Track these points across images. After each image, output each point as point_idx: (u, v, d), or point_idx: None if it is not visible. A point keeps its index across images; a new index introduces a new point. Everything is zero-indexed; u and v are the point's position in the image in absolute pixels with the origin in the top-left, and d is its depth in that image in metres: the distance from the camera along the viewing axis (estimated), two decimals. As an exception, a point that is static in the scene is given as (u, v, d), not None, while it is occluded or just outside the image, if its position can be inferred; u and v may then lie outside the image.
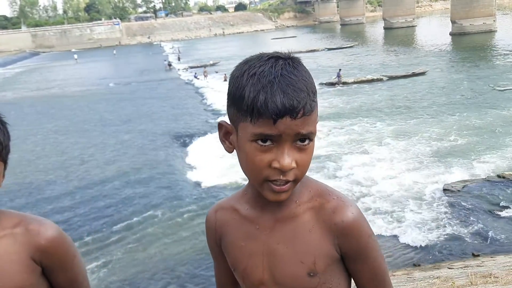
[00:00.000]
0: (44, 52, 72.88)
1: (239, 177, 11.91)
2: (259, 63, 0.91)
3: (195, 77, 31.95)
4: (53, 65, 51.66)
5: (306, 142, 0.92)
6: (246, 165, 0.95)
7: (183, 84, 31.31)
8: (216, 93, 25.45)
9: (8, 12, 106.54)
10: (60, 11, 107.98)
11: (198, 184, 12.43)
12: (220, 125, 1.01)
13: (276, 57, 0.92)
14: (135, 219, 10.47)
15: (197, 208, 10.72)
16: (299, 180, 0.95)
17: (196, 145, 16.03)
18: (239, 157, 0.97)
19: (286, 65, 0.90)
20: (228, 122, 0.99)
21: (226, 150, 1.01)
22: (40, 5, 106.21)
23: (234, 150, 0.99)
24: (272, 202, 0.98)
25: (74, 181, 13.39)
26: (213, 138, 16.84)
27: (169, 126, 19.07)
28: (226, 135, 1.01)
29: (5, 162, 1.11)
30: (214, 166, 13.23)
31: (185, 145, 16.35)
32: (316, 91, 0.94)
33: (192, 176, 13.11)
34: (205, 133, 17.34)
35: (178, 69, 38.63)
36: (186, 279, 8.02)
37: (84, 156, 15.77)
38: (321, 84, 23.61)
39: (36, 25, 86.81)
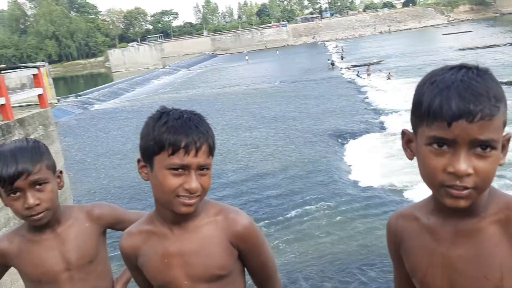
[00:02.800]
0: (220, 54, 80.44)
1: (399, 180, 11.59)
2: (442, 72, 0.93)
3: (358, 75, 31.63)
4: (227, 66, 56.47)
5: (488, 149, 0.88)
6: (423, 170, 0.95)
7: (345, 82, 31.23)
8: (378, 92, 24.83)
9: (193, 19, 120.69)
10: (236, 16, 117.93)
11: (355, 183, 12.30)
12: (403, 133, 1.04)
13: (459, 67, 0.93)
14: (290, 213, 10.69)
15: (353, 208, 10.56)
16: (482, 190, 0.91)
17: (355, 144, 15.91)
18: (418, 163, 0.97)
19: (469, 72, 0.90)
20: (411, 130, 1.01)
21: (407, 157, 1.03)
22: (219, 12, 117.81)
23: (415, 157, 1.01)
24: (455, 214, 0.97)
25: (236, 173, 14.20)
26: (375, 137, 16.60)
27: (329, 124, 19.18)
28: (408, 143, 1.02)
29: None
30: (374, 167, 13.03)
31: (344, 143, 16.29)
32: (501, 97, 0.90)
33: (350, 175, 13.02)
34: (366, 132, 17.12)
35: (341, 68, 38.64)
36: (337, 280, 7.93)
37: (247, 150, 16.69)
38: (503, 83, 21.04)
39: (215, 30, 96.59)
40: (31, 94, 9.54)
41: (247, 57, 59.90)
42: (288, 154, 15.75)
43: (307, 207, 10.98)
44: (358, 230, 9.60)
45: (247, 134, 19.12)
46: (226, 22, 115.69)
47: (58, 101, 30.14)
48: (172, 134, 1.13)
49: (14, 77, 13.34)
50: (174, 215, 1.22)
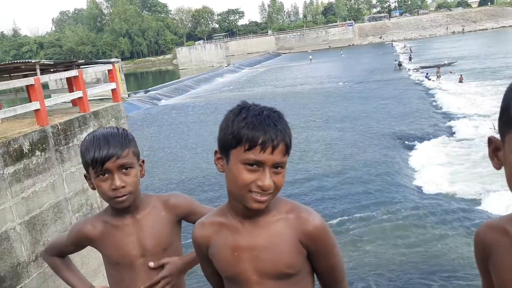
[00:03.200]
0: (284, 53, 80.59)
1: (469, 189, 10.99)
2: None
3: (427, 77, 30.32)
4: (291, 65, 56.47)
5: None
6: (508, 180, 0.91)
7: (412, 84, 30.10)
8: (449, 95, 23.67)
9: (258, 18, 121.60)
10: (301, 15, 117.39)
11: (420, 189, 11.88)
12: (490, 140, 0.96)
13: None
14: (349, 216, 10.54)
15: (416, 215, 10.17)
16: None
17: (422, 148, 15.32)
18: (506, 172, 0.92)
19: None
20: (498, 137, 0.95)
21: (494, 166, 0.97)
22: (284, 11, 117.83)
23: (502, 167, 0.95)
24: None
25: (295, 173, 14.07)
26: (443, 143, 15.86)
27: (394, 126, 18.66)
28: (495, 151, 0.95)
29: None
30: (440, 173, 12.48)
31: (409, 147, 15.78)
32: None
33: (414, 180, 12.61)
34: (433, 137, 16.42)
35: (408, 69, 37.27)
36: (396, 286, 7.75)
37: (308, 149, 16.63)
38: None
39: (280, 29, 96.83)
40: (106, 89, 10.13)
41: (310, 57, 59.58)
42: (350, 155, 15.54)
43: (366, 211, 10.77)
44: (420, 239, 9.23)
45: (309, 134, 19.05)
46: (291, 21, 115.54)
47: (129, 96, 31.71)
48: (250, 130, 1.15)
49: (90, 72, 14.22)
50: (246, 209, 1.23)
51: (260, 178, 1.17)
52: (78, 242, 1.62)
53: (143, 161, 1.57)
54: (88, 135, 1.50)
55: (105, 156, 1.41)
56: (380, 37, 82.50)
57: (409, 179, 12.80)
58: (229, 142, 1.18)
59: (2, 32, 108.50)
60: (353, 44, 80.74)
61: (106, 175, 1.43)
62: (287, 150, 1.20)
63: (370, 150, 15.82)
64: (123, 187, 1.43)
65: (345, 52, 63.44)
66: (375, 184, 12.52)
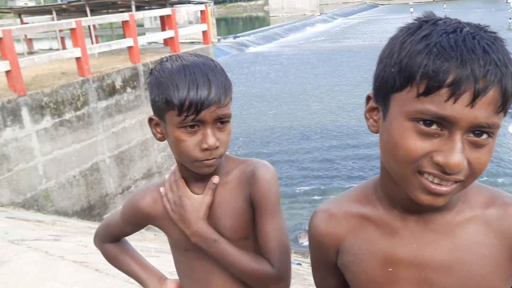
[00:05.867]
0: (382, 5, 75.60)
1: None
2: None
3: (547, 40, 26.68)
4: (388, 17, 53.09)
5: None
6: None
7: (529, 47, 26.73)
8: None
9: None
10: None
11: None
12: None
13: None
14: None
15: None
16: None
17: None
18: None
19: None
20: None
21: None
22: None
23: None
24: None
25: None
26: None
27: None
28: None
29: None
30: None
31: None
32: None
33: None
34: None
35: (525, 30, 33.06)
36: None
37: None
38: None
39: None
40: (197, 30, 10.00)
41: (411, 9, 55.40)
42: None
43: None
44: None
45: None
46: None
47: (218, 41, 31.89)
48: (434, 58, 0.63)
49: (183, 12, 14.21)
50: (411, 200, 0.71)
51: (441, 149, 0.65)
52: (136, 220, 1.14)
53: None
54: (167, 60, 0.99)
55: (204, 100, 0.92)
56: (495, -9, 73.83)
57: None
58: (391, 80, 0.69)
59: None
60: (460, -3, 73.31)
61: (196, 127, 0.95)
62: (504, 102, 0.64)
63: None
64: (217, 147, 0.97)
65: (449, 6, 58.07)
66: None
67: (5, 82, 6.17)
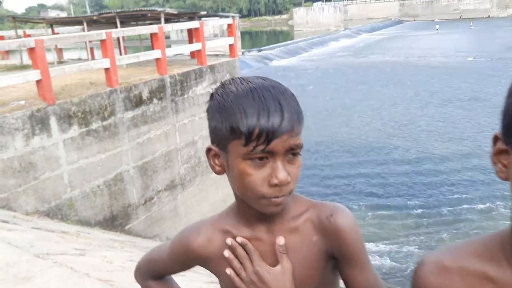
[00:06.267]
0: (407, 21, 75.05)
1: None
2: None
3: None
4: (413, 34, 52.56)
5: None
6: None
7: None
8: None
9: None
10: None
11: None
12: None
13: None
14: (450, 208, 9.85)
15: None
16: None
17: None
18: None
19: None
20: None
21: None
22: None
23: None
24: None
25: (405, 152, 13.50)
26: None
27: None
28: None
29: None
30: None
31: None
32: None
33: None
34: None
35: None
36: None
37: (423, 128, 15.64)
38: None
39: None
40: (224, 43, 10.01)
41: (437, 26, 54.80)
42: (472, 141, 14.18)
43: (486, 202, 9.97)
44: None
45: (424, 113, 17.71)
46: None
47: (242, 54, 32.06)
48: None
49: (210, 25, 14.31)
50: None
51: None
52: (185, 260, 1.00)
53: None
54: (230, 83, 0.88)
55: (277, 128, 0.79)
56: (524, 10, 72.47)
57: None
58: None
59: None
60: (488, 16, 72.14)
61: (265, 159, 0.82)
62: None
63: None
64: (288, 183, 0.83)
65: (475, 24, 57.24)
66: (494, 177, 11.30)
67: (35, 91, 6.24)
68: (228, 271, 0.92)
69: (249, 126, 0.79)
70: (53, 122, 6.12)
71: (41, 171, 6.02)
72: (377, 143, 14.27)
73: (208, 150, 0.90)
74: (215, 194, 9.15)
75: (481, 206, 9.87)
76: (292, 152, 0.84)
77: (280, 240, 0.89)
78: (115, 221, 7.22)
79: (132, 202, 7.53)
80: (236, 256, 0.92)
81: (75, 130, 6.40)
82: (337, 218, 0.89)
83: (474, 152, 13.00)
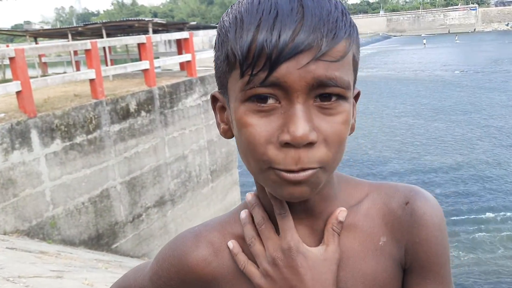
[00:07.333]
0: (395, 36, 76.04)
1: None
2: None
3: None
4: (401, 49, 53.16)
5: None
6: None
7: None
8: None
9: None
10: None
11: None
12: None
13: None
14: (462, 217, 9.82)
15: None
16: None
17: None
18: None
19: None
20: None
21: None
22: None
23: None
24: None
25: (402, 164, 13.41)
26: None
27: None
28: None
29: None
30: None
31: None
32: None
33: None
34: None
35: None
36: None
37: (417, 140, 15.59)
38: None
39: (393, 10, 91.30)
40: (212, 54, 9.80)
41: (424, 41, 55.65)
42: (465, 152, 14.31)
43: (483, 215, 9.97)
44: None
45: (417, 124, 17.76)
46: (406, 1, 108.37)
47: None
48: None
49: (199, 38, 14.16)
50: None
51: None
52: (178, 284, 0.64)
53: (358, 93, 0.64)
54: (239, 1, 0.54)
55: (287, 41, 0.47)
56: (507, 24, 73.90)
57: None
58: None
59: (122, 0, 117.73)
60: (474, 30, 73.47)
61: (271, 99, 0.49)
62: None
63: (489, 147, 14.32)
64: (312, 143, 0.48)
65: (461, 38, 58.25)
66: (492, 186, 11.49)
67: (15, 103, 5.92)
68: (233, 244, 0.61)
69: (243, 41, 0.48)
70: (34, 135, 5.79)
71: (21, 187, 5.66)
72: (366, 154, 14.11)
73: (213, 99, 0.61)
74: (206, 210, 8.81)
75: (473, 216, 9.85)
76: (325, 91, 0.49)
77: (341, 214, 0.58)
78: (101, 240, 6.84)
79: (119, 220, 7.17)
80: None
81: (58, 144, 6.07)
82: (416, 207, 0.58)
83: (463, 162, 13.03)
